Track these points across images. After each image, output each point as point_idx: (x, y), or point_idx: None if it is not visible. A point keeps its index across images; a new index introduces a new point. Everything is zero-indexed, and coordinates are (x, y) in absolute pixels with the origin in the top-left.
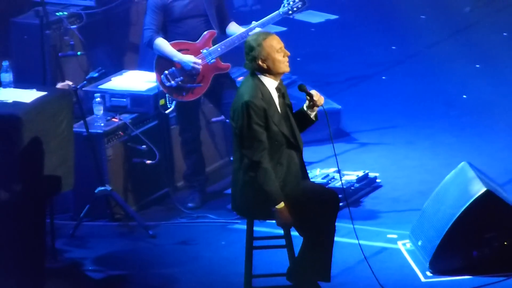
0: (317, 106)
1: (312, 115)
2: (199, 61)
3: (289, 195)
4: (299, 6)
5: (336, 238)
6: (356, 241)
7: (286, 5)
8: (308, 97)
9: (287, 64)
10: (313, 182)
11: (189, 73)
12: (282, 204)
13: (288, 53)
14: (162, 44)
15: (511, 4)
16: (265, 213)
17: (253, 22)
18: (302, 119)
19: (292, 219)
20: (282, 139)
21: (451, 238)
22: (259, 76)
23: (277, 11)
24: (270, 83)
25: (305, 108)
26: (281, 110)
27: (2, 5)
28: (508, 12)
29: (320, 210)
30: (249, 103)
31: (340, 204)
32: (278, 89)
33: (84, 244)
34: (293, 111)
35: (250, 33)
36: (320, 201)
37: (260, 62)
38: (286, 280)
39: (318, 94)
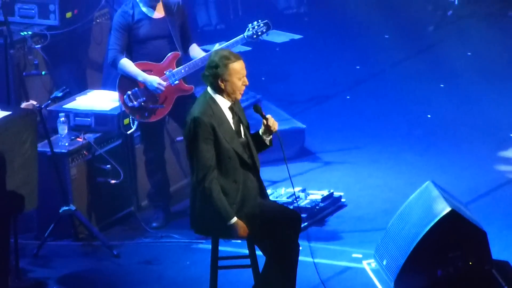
0: (271, 132)
1: (267, 140)
2: (164, 83)
3: (249, 214)
4: (264, 30)
5: (300, 258)
6: (321, 261)
7: (250, 29)
8: (264, 122)
9: (242, 93)
10: (274, 201)
11: (152, 94)
12: (234, 218)
13: (247, 83)
14: (127, 64)
15: (474, 23)
16: (222, 232)
17: (217, 44)
18: (257, 143)
19: (249, 230)
20: (235, 156)
21: (415, 257)
22: (212, 94)
23: (241, 35)
24: (223, 102)
25: (260, 132)
26: (234, 128)
27: None
28: (472, 32)
29: (282, 230)
30: (197, 119)
31: (305, 223)
32: (231, 108)
33: (48, 263)
34: (251, 132)
35: (220, 47)
36: (281, 220)
37: (219, 81)
38: None
39: (273, 119)
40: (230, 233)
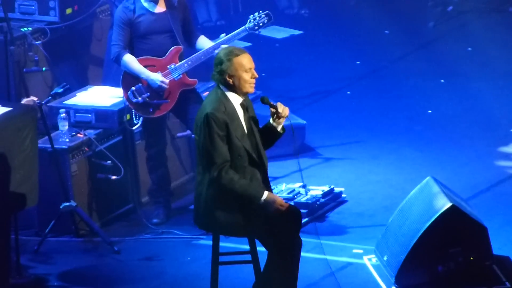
0: (283, 118)
1: (279, 127)
2: (167, 80)
3: (251, 211)
4: (265, 21)
5: (302, 254)
6: (321, 256)
7: (252, 20)
8: (273, 110)
9: (253, 85)
10: None
11: (155, 90)
12: (266, 194)
13: (256, 75)
14: (130, 60)
15: (475, 19)
16: (228, 228)
17: (223, 34)
18: (270, 133)
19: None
20: (245, 154)
21: (416, 253)
22: (224, 90)
23: (243, 27)
24: (235, 99)
25: (271, 121)
26: (245, 125)
27: None
28: (472, 27)
29: (282, 225)
30: (210, 115)
31: (305, 219)
32: (242, 105)
33: (48, 260)
34: (259, 126)
35: (222, 46)
36: (282, 216)
37: (226, 77)
38: None
39: (282, 105)
40: (267, 209)
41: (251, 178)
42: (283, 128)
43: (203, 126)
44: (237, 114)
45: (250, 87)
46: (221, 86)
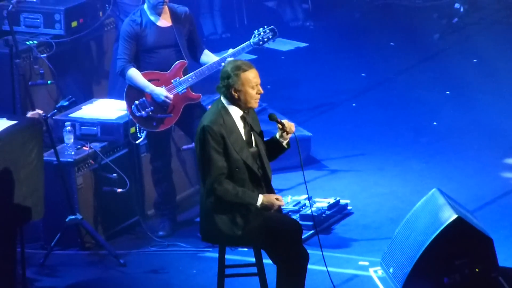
0: (289, 134)
1: (284, 143)
2: (171, 96)
3: (254, 224)
4: (270, 36)
5: (309, 266)
6: (328, 269)
7: (256, 35)
8: (280, 126)
9: (258, 101)
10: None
11: (159, 104)
12: (260, 198)
13: (262, 91)
14: (135, 75)
15: (480, 31)
16: (228, 238)
17: (230, 49)
18: (275, 147)
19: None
20: (243, 167)
21: (422, 265)
22: (225, 103)
23: (248, 42)
24: (236, 112)
25: (277, 136)
26: (245, 138)
27: None
28: (478, 39)
29: (283, 238)
30: (206, 128)
31: (311, 231)
32: (243, 117)
33: (54, 273)
34: (264, 139)
35: (228, 59)
36: (282, 229)
37: (232, 92)
38: None
39: (289, 122)
40: (266, 211)
41: (253, 190)
42: (288, 143)
43: (200, 139)
44: (236, 127)
45: (255, 102)
46: (223, 99)
